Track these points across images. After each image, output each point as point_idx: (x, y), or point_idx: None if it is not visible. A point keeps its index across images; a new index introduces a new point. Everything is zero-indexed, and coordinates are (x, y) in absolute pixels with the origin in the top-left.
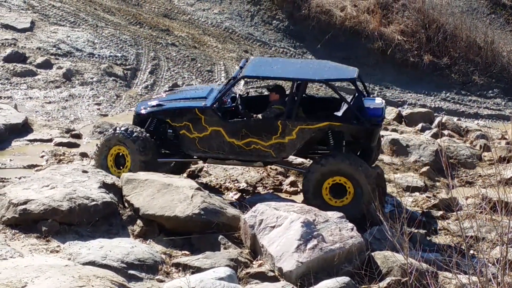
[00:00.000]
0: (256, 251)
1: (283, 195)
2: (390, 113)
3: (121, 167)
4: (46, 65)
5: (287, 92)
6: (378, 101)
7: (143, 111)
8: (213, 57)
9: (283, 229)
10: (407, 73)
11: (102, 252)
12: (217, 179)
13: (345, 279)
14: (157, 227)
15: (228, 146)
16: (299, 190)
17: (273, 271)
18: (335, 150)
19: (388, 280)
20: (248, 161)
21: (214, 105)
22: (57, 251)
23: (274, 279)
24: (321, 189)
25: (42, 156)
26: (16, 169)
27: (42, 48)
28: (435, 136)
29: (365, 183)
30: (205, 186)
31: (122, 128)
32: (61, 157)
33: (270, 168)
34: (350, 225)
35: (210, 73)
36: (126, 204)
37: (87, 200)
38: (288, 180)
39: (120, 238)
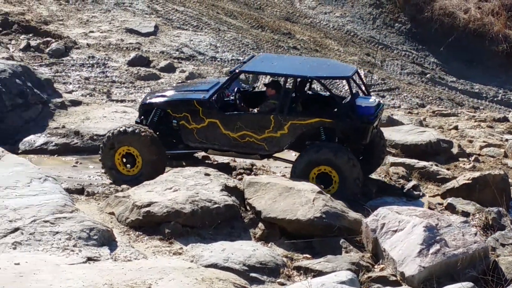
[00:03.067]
0: (377, 255)
1: (405, 199)
2: None
3: (127, 165)
4: (169, 68)
5: None
6: (371, 99)
7: (147, 102)
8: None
9: (405, 233)
10: None
11: (224, 254)
12: None
13: (469, 284)
14: (278, 230)
15: (224, 138)
16: (421, 194)
17: (395, 275)
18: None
19: None
20: (245, 153)
21: (212, 98)
22: (180, 253)
23: (396, 284)
24: (308, 179)
25: None
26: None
27: (165, 52)
28: None
29: (350, 172)
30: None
31: (130, 129)
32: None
33: (392, 172)
34: (474, 230)
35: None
36: (248, 207)
37: (210, 202)
38: (410, 184)
39: (242, 241)
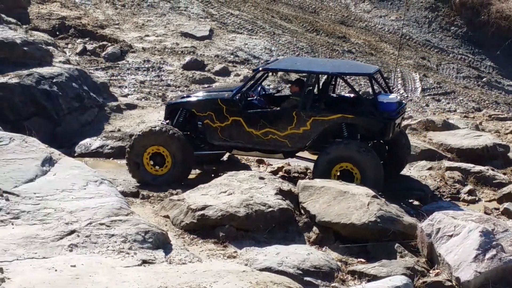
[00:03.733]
0: (433, 260)
1: (460, 204)
2: None
3: (155, 165)
4: (224, 72)
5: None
6: (393, 96)
7: (173, 102)
8: (389, 64)
9: (461, 238)
10: None
11: (279, 258)
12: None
13: None
14: (333, 234)
15: (247, 135)
16: (477, 199)
17: (450, 280)
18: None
19: None
20: (268, 151)
21: (236, 96)
22: (234, 257)
23: None
24: (330, 177)
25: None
26: (192, 174)
27: (220, 56)
28: None
29: (371, 169)
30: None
31: (163, 129)
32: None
33: (448, 176)
34: None
35: (386, 80)
36: (302, 211)
37: (264, 206)
38: (466, 189)
39: (296, 245)
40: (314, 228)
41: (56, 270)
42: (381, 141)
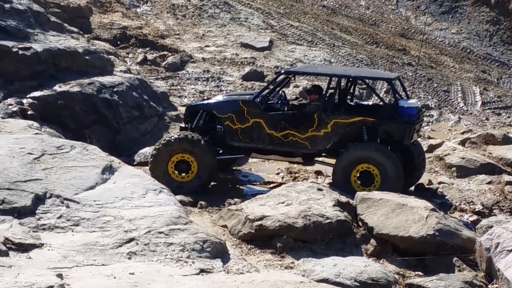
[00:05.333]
0: (491, 274)
1: None
2: None
3: (180, 173)
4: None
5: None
6: (413, 101)
7: (193, 104)
8: (449, 77)
9: None
10: None
11: (336, 270)
12: (452, 200)
13: None
14: (390, 247)
15: (268, 137)
16: None
17: None
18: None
19: None
20: (288, 155)
21: (257, 99)
22: (291, 267)
23: None
24: (350, 178)
25: (278, 173)
26: (253, 185)
27: (279, 67)
28: None
29: (392, 170)
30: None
31: (188, 136)
32: (296, 175)
33: (508, 191)
34: None
35: (446, 93)
36: (360, 223)
37: (322, 217)
38: None
39: (354, 257)
40: (372, 240)
41: (115, 277)
42: (399, 148)
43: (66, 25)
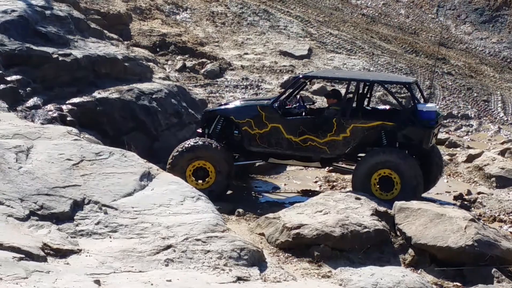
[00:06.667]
0: None
1: None
2: None
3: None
4: (322, 91)
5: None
6: (431, 105)
7: (210, 109)
8: (489, 87)
9: None
10: None
11: (373, 279)
12: (491, 210)
13: None
14: (428, 257)
15: (286, 142)
16: None
17: None
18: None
19: None
20: (306, 159)
21: (275, 104)
22: (329, 276)
23: None
24: (369, 183)
25: (316, 182)
26: (290, 193)
27: None
28: None
29: (411, 175)
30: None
31: (205, 143)
32: (334, 183)
33: None
34: None
35: (486, 103)
36: (398, 233)
37: (360, 227)
38: None
39: (391, 266)
40: (410, 250)
41: (152, 284)
42: (417, 152)
43: (106, 31)
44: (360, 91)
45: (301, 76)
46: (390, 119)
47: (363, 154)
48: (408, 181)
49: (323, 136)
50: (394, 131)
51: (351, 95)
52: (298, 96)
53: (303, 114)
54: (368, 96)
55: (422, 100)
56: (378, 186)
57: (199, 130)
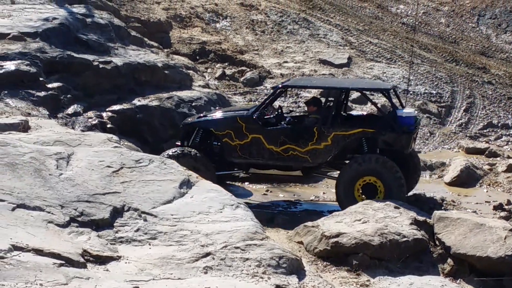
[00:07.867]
0: None
1: None
2: None
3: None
4: (362, 100)
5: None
6: (410, 110)
7: (189, 122)
8: None
9: None
10: None
11: None
12: None
13: None
14: (468, 267)
15: (267, 152)
16: None
17: None
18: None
19: None
20: (287, 168)
21: (255, 114)
22: (367, 285)
23: None
24: (353, 191)
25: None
26: (329, 202)
27: None
28: None
29: (394, 181)
30: None
31: (185, 151)
32: None
33: None
34: None
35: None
36: (437, 242)
37: (398, 236)
38: None
39: (430, 276)
40: (449, 260)
41: None
42: (396, 157)
43: (146, 39)
44: (338, 99)
45: (280, 86)
46: (370, 126)
47: (344, 161)
48: (391, 187)
49: (304, 145)
50: (375, 138)
51: (331, 104)
52: (277, 105)
53: (283, 123)
54: (345, 102)
55: (399, 106)
56: (361, 192)
57: (178, 143)
